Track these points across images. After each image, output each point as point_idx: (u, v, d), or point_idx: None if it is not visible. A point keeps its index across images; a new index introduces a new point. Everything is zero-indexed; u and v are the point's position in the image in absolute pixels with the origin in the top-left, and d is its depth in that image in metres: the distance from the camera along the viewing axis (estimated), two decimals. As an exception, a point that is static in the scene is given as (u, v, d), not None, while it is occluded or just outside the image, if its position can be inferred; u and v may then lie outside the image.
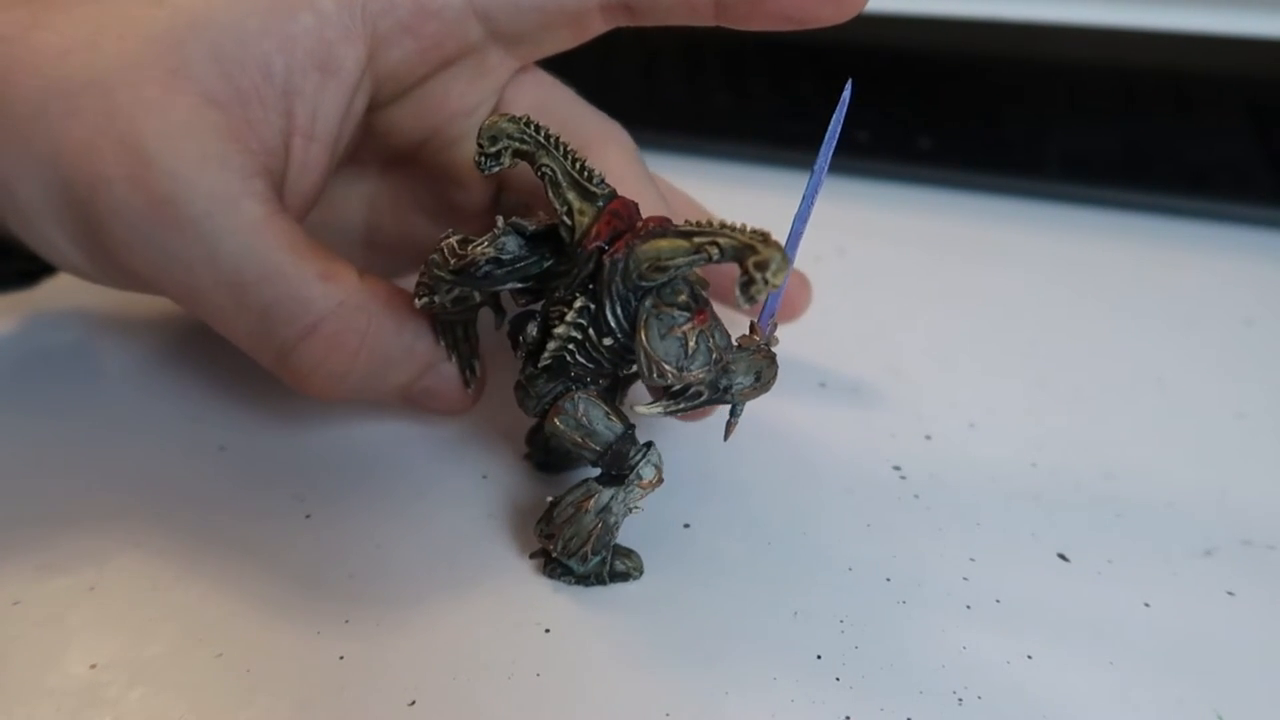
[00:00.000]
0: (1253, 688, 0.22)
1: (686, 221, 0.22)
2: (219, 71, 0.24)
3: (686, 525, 0.26)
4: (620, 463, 0.23)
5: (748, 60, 0.53)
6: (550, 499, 0.24)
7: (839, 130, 0.23)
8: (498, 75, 0.27)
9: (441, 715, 0.21)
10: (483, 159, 0.22)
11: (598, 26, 0.26)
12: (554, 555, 0.24)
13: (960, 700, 0.21)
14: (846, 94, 0.23)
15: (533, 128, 0.22)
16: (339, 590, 0.24)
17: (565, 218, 0.22)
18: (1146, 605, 0.24)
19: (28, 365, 0.32)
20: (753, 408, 0.30)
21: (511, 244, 0.23)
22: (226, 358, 0.32)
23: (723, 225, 0.21)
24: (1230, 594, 0.24)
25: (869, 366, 0.33)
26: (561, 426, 0.23)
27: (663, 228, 0.22)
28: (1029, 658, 0.22)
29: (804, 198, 0.24)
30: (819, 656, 0.22)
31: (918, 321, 0.35)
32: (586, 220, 0.22)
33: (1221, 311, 0.36)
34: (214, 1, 0.24)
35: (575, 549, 0.24)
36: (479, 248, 0.22)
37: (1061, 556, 0.25)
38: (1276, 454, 0.29)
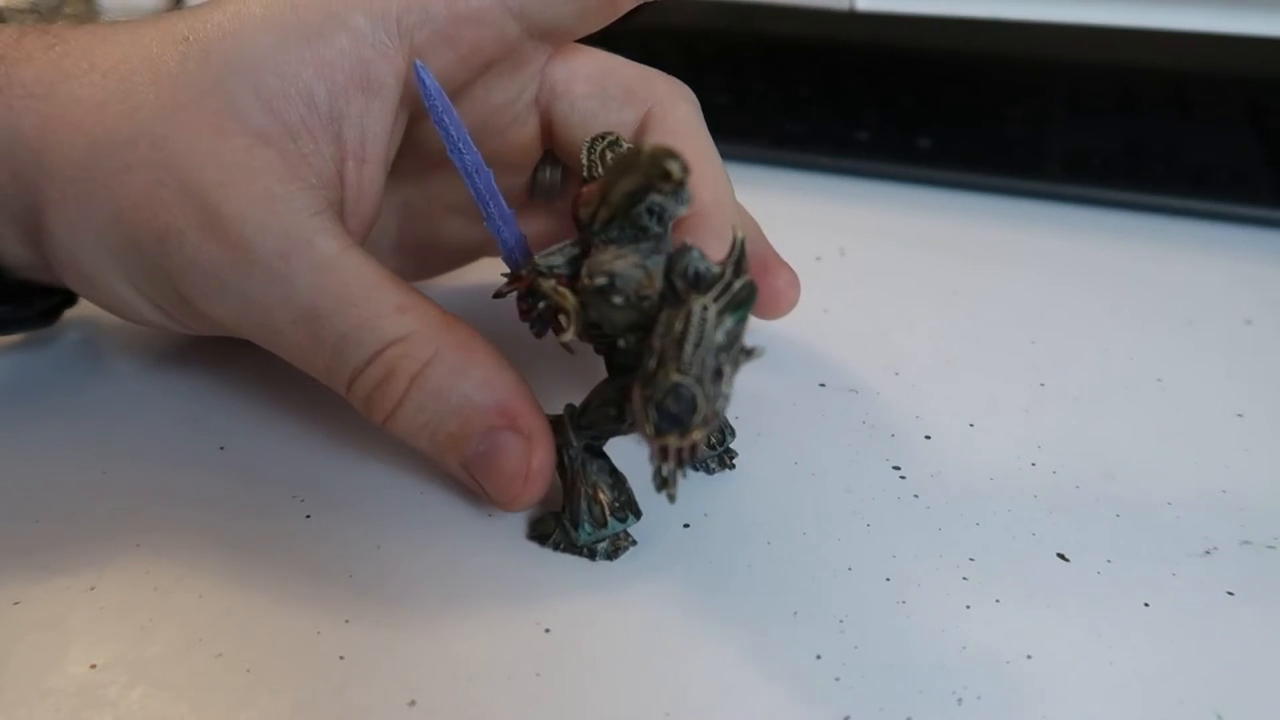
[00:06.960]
0: (1253, 688, 0.22)
1: (586, 190, 0.24)
2: (263, 108, 0.24)
3: (686, 525, 0.26)
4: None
5: (748, 60, 0.53)
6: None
7: (445, 102, 0.24)
8: (535, 63, 0.27)
9: (441, 715, 0.21)
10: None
11: (627, 3, 0.26)
12: (726, 446, 0.28)
13: (960, 700, 0.21)
14: (422, 73, 0.24)
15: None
16: (339, 590, 0.24)
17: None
18: (1146, 605, 0.24)
19: (28, 365, 0.32)
20: (752, 407, 0.30)
21: None
22: (226, 358, 0.32)
23: (599, 166, 0.25)
24: (1230, 594, 0.24)
25: (869, 366, 0.33)
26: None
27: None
28: (1029, 658, 0.22)
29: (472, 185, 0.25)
30: (819, 656, 0.22)
31: (918, 321, 0.35)
32: None
33: (1221, 311, 0.36)
34: (243, 33, 0.24)
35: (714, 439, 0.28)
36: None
37: (1061, 556, 0.25)
38: (1276, 454, 0.29)
